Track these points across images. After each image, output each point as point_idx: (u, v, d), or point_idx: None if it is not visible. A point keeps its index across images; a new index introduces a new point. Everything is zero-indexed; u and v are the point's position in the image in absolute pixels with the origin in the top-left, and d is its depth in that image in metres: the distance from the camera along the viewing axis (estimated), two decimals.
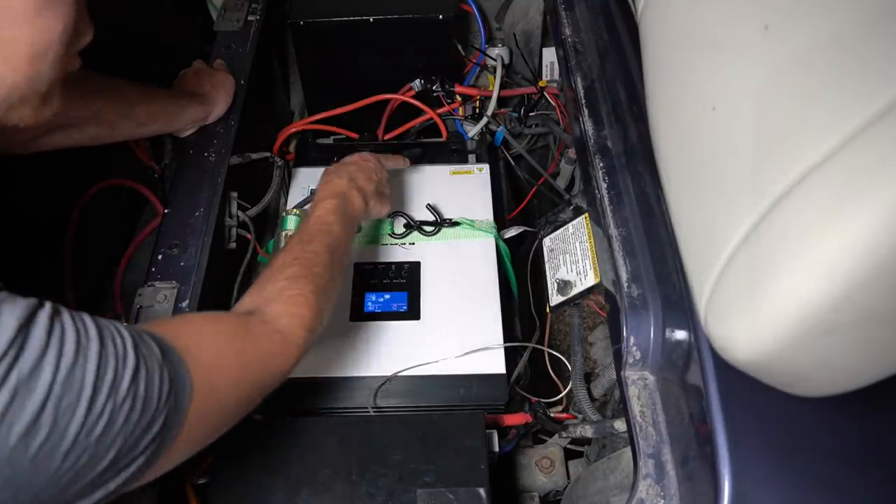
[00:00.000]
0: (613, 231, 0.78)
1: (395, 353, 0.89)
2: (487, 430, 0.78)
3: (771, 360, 0.48)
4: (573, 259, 0.93)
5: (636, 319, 0.71)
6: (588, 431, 0.85)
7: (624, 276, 0.74)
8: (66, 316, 0.44)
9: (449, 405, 0.86)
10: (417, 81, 1.22)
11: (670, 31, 0.65)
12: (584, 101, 0.94)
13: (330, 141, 1.26)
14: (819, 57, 0.47)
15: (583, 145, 0.91)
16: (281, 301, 0.65)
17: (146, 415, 0.46)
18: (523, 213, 1.23)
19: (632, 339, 0.71)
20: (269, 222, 1.14)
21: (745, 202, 0.48)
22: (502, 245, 1.02)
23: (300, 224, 0.86)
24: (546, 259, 0.99)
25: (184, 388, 0.50)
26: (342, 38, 1.17)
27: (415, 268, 0.99)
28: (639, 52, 0.73)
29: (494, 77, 1.24)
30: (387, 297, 0.96)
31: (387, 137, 1.23)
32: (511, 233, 1.06)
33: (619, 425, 0.78)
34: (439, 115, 1.23)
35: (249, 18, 1.17)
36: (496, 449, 0.79)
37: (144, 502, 0.70)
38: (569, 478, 0.88)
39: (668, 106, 0.65)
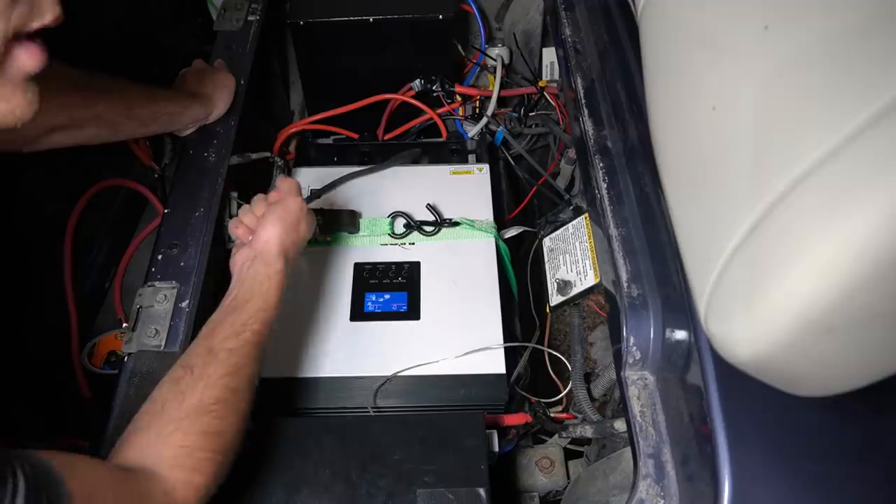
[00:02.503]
0: (613, 231, 0.78)
1: (395, 353, 0.89)
2: (487, 430, 0.78)
3: (770, 359, 0.48)
4: (573, 259, 0.93)
5: (636, 319, 0.71)
6: (588, 431, 0.85)
7: (624, 276, 0.75)
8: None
9: (449, 405, 0.86)
10: (417, 81, 1.22)
11: (670, 31, 0.65)
12: (584, 101, 0.94)
13: (330, 141, 1.26)
14: (819, 57, 0.47)
15: (583, 145, 0.91)
16: (186, 468, 0.59)
17: None
18: (523, 213, 1.23)
19: (632, 339, 0.71)
20: None
21: (745, 202, 0.48)
22: (502, 245, 1.02)
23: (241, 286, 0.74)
24: (546, 259, 0.99)
25: None
26: (342, 38, 1.17)
27: (415, 268, 0.99)
28: (639, 52, 0.72)
29: (494, 77, 1.24)
30: (387, 296, 0.96)
31: (387, 137, 1.24)
32: (511, 233, 1.06)
33: (619, 425, 0.78)
34: (439, 115, 1.23)
35: (249, 18, 1.17)
36: (496, 449, 0.79)
37: None
38: (569, 478, 0.88)
39: (668, 106, 0.65)
